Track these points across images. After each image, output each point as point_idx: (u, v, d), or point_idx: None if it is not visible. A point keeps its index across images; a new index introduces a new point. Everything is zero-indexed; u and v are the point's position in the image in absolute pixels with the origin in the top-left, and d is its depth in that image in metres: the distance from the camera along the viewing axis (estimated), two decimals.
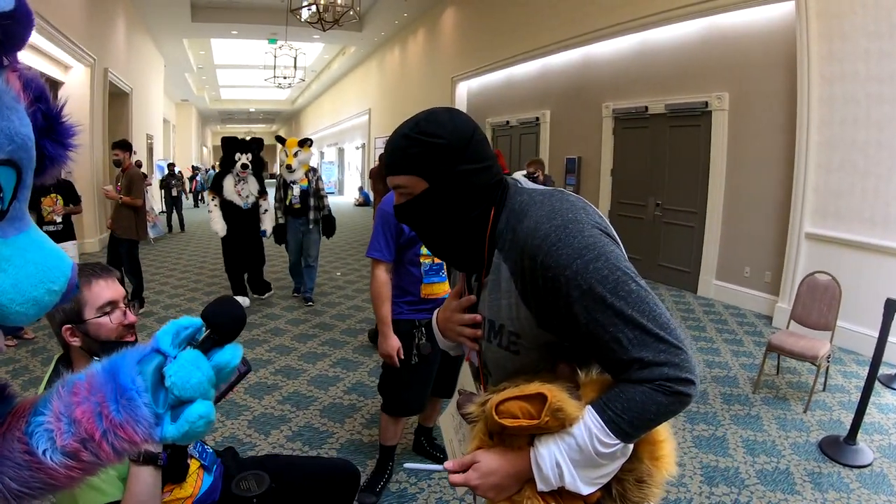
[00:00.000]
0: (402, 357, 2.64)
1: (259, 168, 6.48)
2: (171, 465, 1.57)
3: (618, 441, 0.99)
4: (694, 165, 6.68)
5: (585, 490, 1.03)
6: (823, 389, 3.96)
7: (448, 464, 1.14)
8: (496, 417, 1.05)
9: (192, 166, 24.65)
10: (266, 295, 6.77)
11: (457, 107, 2.75)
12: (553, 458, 1.03)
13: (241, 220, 6.34)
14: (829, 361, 3.88)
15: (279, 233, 6.51)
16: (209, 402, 0.81)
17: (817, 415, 3.59)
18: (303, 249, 6.52)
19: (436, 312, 1.44)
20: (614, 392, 1.01)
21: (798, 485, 2.82)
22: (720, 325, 5.52)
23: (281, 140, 6.63)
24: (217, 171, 6.62)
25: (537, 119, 9.78)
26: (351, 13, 11.71)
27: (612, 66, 8.01)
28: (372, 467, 2.95)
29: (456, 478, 1.12)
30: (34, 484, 0.79)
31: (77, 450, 0.78)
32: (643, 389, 0.98)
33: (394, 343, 2.62)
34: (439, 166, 1.10)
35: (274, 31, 16.02)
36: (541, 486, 1.05)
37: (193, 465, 1.70)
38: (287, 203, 6.38)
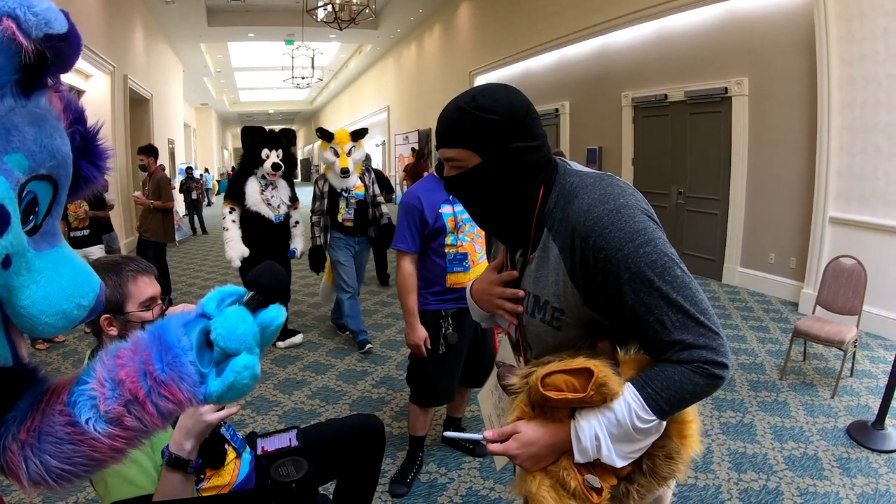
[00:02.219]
0: (430, 347, 2.67)
1: (291, 168, 4.95)
2: (210, 449, 1.62)
3: (654, 417, 1.05)
4: (715, 152, 6.63)
5: (620, 463, 1.08)
6: (850, 375, 3.94)
7: (488, 433, 1.19)
8: (541, 389, 1.09)
9: (232, 168, 24.09)
10: (288, 342, 4.97)
11: None
12: (593, 431, 1.08)
13: (271, 237, 4.76)
14: (855, 346, 3.85)
15: (316, 257, 4.80)
16: (254, 356, 0.82)
17: (845, 400, 3.57)
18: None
19: (470, 283, 1.48)
20: (654, 371, 1.07)
21: (826, 470, 2.82)
22: (746, 312, 5.49)
23: (325, 134, 4.80)
24: (234, 172, 5.09)
25: (556, 110, 9.74)
26: (367, 11, 11.75)
27: (630, 54, 7.96)
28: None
29: (495, 447, 1.16)
30: (76, 459, 0.80)
31: (121, 414, 0.79)
32: (682, 370, 1.04)
33: (421, 333, 2.66)
34: (493, 142, 1.12)
35: (290, 32, 16.07)
36: (578, 458, 1.10)
37: (231, 454, 1.74)
38: (339, 219, 4.69)
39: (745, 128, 6.25)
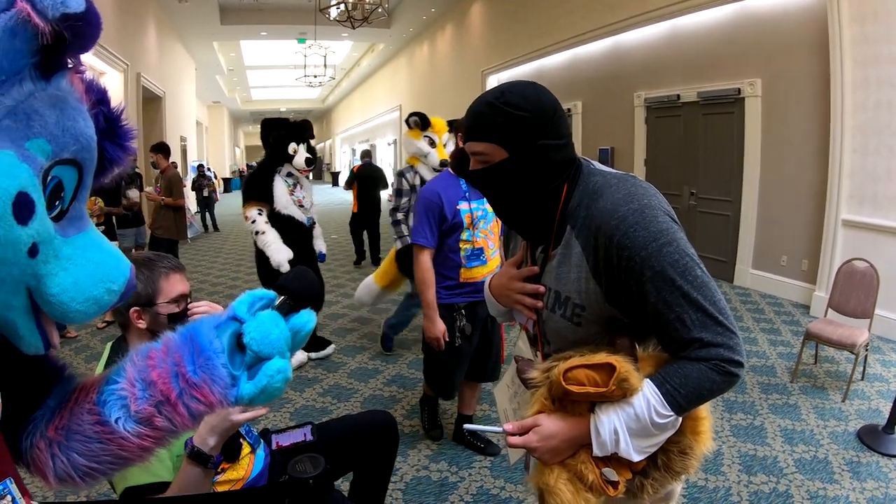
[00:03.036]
0: (448, 340, 2.75)
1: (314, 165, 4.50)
2: (226, 442, 1.62)
3: (672, 413, 1.08)
4: (728, 153, 6.61)
5: (636, 457, 1.11)
6: (862, 378, 3.92)
7: (507, 426, 1.20)
8: (563, 384, 1.11)
9: (248, 165, 23.72)
10: (324, 353, 4.70)
11: None
12: (612, 426, 1.10)
13: (303, 242, 4.37)
14: (867, 350, 3.84)
15: (408, 260, 3.85)
16: (286, 360, 0.82)
17: (855, 404, 3.56)
18: None
19: (489, 278, 1.49)
20: (672, 368, 1.09)
21: (836, 474, 2.82)
22: (757, 314, 5.48)
23: (422, 121, 4.13)
24: (255, 170, 4.48)
25: (569, 110, 9.69)
26: (379, 10, 11.78)
27: (642, 54, 7.94)
28: (413, 457, 3.06)
29: (515, 440, 1.18)
30: (104, 457, 0.81)
31: (151, 415, 0.79)
32: (700, 367, 1.07)
33: (440, 327, 2.74)
34: (521, 138, 1.14)
35: (303, 30, 16.13)
36: (597, 451, 1.12)
37: (245, 448, 1.76)
38: None
39: (758, 129, 6.23)
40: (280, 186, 4.21)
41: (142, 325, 1.58)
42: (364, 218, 8.81)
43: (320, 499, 1.18)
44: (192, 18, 14.41)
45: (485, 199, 2.74)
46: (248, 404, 0.82)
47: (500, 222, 2.82)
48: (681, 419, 1.12)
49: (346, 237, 9.92)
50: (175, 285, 1.61)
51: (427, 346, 2.89)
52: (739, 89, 6.33)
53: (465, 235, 2.74)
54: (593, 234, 1.12)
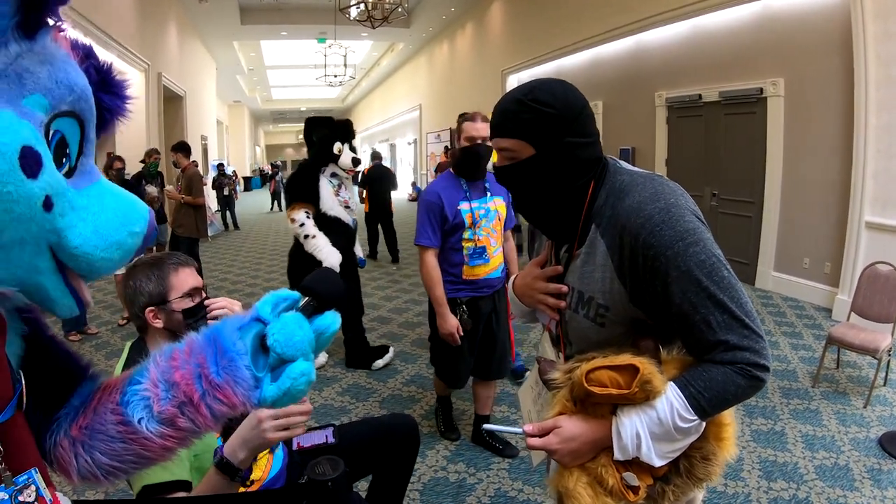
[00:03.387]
0: (462, 334, 2.85)
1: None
2: None
3: (696, 417, 1.06)
4: (750, 154, 6.53)
5: (658, 462, 1.08)
6: (884, 384, 3.85)
7: (528, 427, 1.18)
8: (585, 385, 1.09)
9: (272, 164, 23.67)
10: (387, 359, 4.48)
11: None
12: (634, 429, 1.08)
13: (349, 244, 4.27)
14: (890, 355, 3.77)
15: None
16: (310, 363, 0.82)
17: (878, 410, 3.50)
18: None
19: (513, 278, 1.49)
20: (697, 371, 1.08)
21: (857, 481, 2.77)
22: (779, 317, 5.41)
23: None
24: (298, 171, 4.32)
25: None
26: (399, 10, 11.82)
27: (664, 53, 7.88)
28: (431, 457, 3.10)
29: (534, 441, 1.16)
30: (127, 457, 0.82)
31: (174, 416, 0.80)
32: (725, 370, 1.05)
33: (452, 322, 2.82)
34: (548, 135, 1.15)
35: (323, 30, 16.20)
36: (618, 455, 1.10)
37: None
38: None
39: (781, 129, 6.15)
40: (326, 187, 4.12)
41: (158, 324, 1.59)
42: (376, 217, 9.12)
43: (338, 501, 1.20)
44: (212, 18, 14.54)
45: (486, 199, 2.86)
46: (272, 406, 0.83)
47: (501, 220, 2.94)
48: (704, 424, 1.09)
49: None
50: (186, 280, 1.62)
51: (433, 339, 3.01)
52: (761, 89, 6.25)
53: (466, 234, 2.82)
54: (619, 232, 1.12)
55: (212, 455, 1.52)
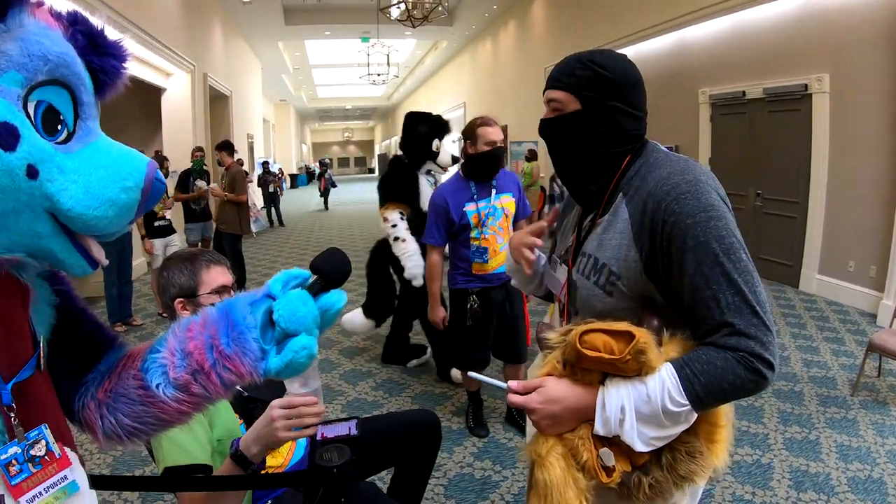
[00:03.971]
0: (459, 321, 3.12)
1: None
2: None
3: (687, 402, 1.01)
4: (795, 152, 6.34)
5: (639, 446, 1.03)
6: None
7: (512, 383, 1.15)
8: (578, 346, 1.04)
9: (320, 161, 23.03)
10: (425, 358, 4.47)
11: None
12: (620, 402, 1.03)
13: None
14: None
15: None
16: (313, 337, 0.86)
17: None
18: None
19: (512, 236, 1.52)
20: (696, 353, 1.04)
21: (891, 496, 2.67)
22: (821, 322, 5.25)
23: None
24: (392, 169, 4.20)
25: None
26: (439, 9, 11.86)
27: (707, 49, 7.71)
28: (458, 453, 3.15)
29: (515, 398, 1.12)
30: (146, 419, 0.88)
31: (188, 382, 0.86)
32: (726, 356, 1.01)
33: (440, 313, 3.21)
34: (596, 94, 1.18)
35: (366, 29, 16.30)
36: (598, 427, 1.05)
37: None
38: None
39: (826, 127, 5.95)
40: (425, 185, 4.01)
41: (186, 314, 1.65)
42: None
43: (344, 488, 1.24)
44: (256, 20, 14.79)
45: (492, 197, 3.00)
46: (276, 377, 0.87)
47: (509, 217, 3.10)
48: (695, 415, 1.04)
49: None
50: (216, 277, 1.70)
51: (451, 328, 3.22)
52: (806, 85, 6.05)
53: (473, 234, 3.03)
54: (643, 199, 1.12)
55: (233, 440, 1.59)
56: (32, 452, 0.73)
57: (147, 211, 0.79)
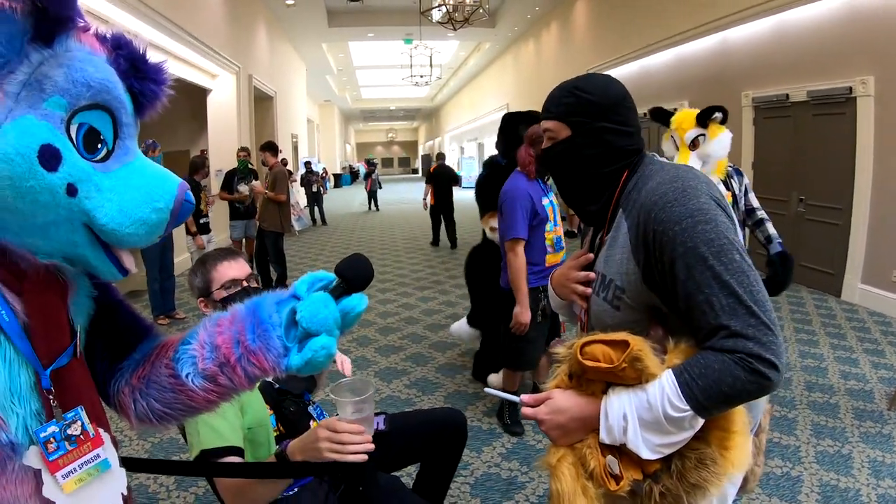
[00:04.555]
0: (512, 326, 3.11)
1: None
2: (295, 422, 1.79)
3: (688, 408, 1.01)
4: (839, 157, 6.16)
5: (645, 454, 1.04)
6: None
7: (524, 396, 1.21)
8: (579, 356, 1.08)
9: (367, 160, 21.73)
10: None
11: None
12: (622, 409, 1.05)
13: None
14: None
15: None
16: (332, 338, 0.90)
17: None
18: None
19: (553, 272, 1.52)
20: (695, 358, 1.04)
21: None
22: (862, 333, 5.10)
23: (659, 116, 3.60)
24: (489, 172, 4.09)
25: (675, 110, 9.37)
26: (481, 11, 11.92)
27: (750, 51, 7.57)
28: (487, 453, 3.19)
29: (527, 410, 1.19)
30: (176, 405, 0.95)
31: (215, 373, 0.92)
32: (723, 359, 1.00)
33: (528, 315, 3.04)
34: (583, 118, 1.23)
35: (409, 31, 16.46)
36: (603, 436, 1.08)
37: (314, 426, 1.85)
38: None
39: (871, 131, 5.77)
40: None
41: (209, 312, 1.79)
42: (439, 210, 10.48)
43: (364, 478, 1.31)
44: (300, 22, 15.05)
45: (550, 193, 3.08)
46: (297, 373, 0.91)
47: (559, 212, 3.20)
48: (701, 421, 1.03)
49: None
50: (225, 272, 1.81)
51: (510, 335, 3.17)
52: (850, 88, 5.88)
53: (548, 227, 3.07)
54: (637, 211, 1.15)
55: (263, 430, 1.72)
56: (69, 432, 0.80)
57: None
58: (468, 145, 29.64)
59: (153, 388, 0.95)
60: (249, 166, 7.34)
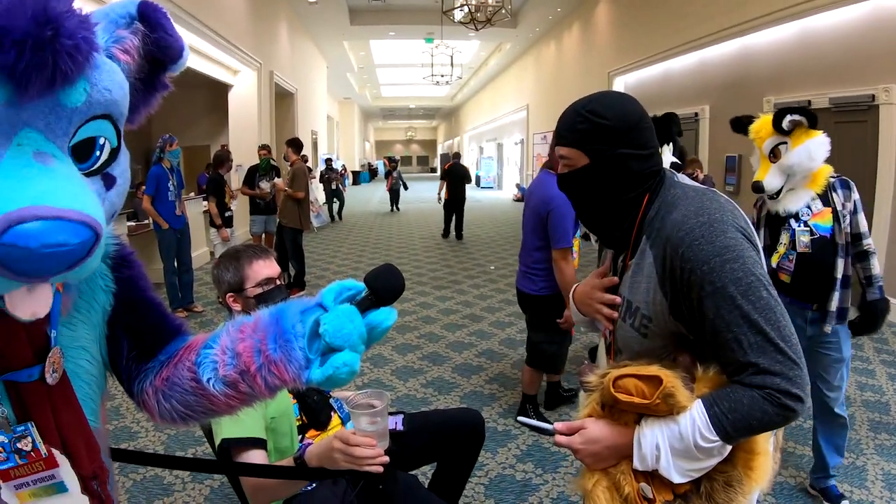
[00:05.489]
0: (553, 330, 3.29)
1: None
2: (317, 412, 1.82)
3: (717, 438, 1.04)
4: (860, 165, 6.07)
5: (676, 478, 1.09)
6: None
7: (558, 425, 1.23)
8: (612, 390, 1.11)
9: (389, 158, 20.79)
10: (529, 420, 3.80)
11: None
12: (655, 440, 1.09)
13: None
14: None
15: None
16: (356, 354, 0.87)
17: None
18: None
19: (574, 286, 1.53)
20: (725, 391, 1.07)
21: None
22: (880, 344, 5.05)
23: (739, 125, 2.83)
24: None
25: (696, 115, 9.31)
26: (503, 11, 11.93)
27: (772, 57, 7.51)
28: (502, 454, 3.21)
29: (561, 439, 1.20)
30: (197, 408, 0.94)
31: (236, 380, 0.90)
32: (752, 394, 1.03)
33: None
34: (601, 145, 1.18)
35: (430, 30, 16.50)
36: (636, 464, 1.12)
37: (335, 420, 1.91)
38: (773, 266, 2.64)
39: (893, 139, 5.72)
40: None
41: (237, 307, 1.81)
42: (452, 205, 11.45)
43: (384, 477, 1.35)
44: (322, 19, 15.12)
45: None
46: (317, 387, 0.92)
47: None
48: (729, 448, 1.07)
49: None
50: (260, 270, 1.83)
51: (557, 333, 3.31)
52: (873, 95, 5.82)
53: (576, 234, 3.18)
54: (663, 244, 1.14)
55: (286, 419, 1.75)
56: (19, 445, 0.77)
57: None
58: (487, 145, 29.62)
59: (176, 390, 0.94)
60: (272, 163, 7.44)
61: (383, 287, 0.94)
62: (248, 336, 0.91)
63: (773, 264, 2.63)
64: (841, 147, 6.28)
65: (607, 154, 1.19)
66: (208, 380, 0.91)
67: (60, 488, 0.81)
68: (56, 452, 0.80)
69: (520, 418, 1.40)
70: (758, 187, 2.58)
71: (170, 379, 0.95)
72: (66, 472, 0.81)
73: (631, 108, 1.21)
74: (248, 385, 0.90)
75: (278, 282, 1.86)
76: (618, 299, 1.30)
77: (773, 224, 2.67)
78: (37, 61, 0.57)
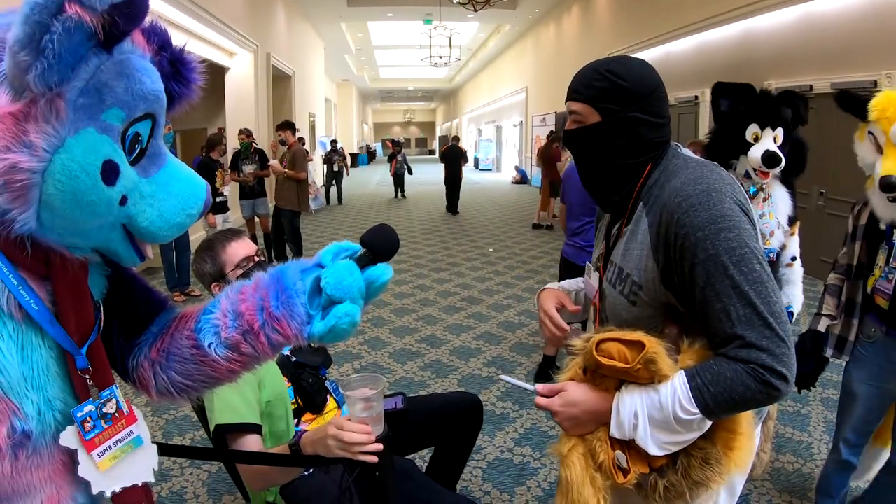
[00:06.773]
0: None
1: (799, 163, 2.78)
2: (312, 395, 1.81)
3: (698, 411, 1.02)
4: None
5: (653, 450, 1.07)
6: None
7: (539, 386, 1.21)
8: (595, 353, 1.10)
9: (393, 141, 18.83)
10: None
11: None
12: (633, 408, 1.08)
13: None
14: None
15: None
16: (356, 306, 0.90)
17: None
18: None
19: (546, 287, 1.53)
20: (708, 363, 1.05)
21: None
22: None
23: (851, 104, 2.22)
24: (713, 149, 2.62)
25: (696, 98, 9.26)
26: None
27: (774, 40, 7.46)
28: (500, 438, 3.20)
29: (541, 401, 1.19)
30: (198, 377, 0.94)
31: (238, 342, 0.91)
32: (736, 368, 1.01)
33: None
34: (615, 105, 1.18)
35: (428, 11, 16.32)
36: (613, 431, 1.11)
37: (331, 404, 1.89)
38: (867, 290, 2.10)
39: None
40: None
41: None
42: (449, 182, 12.68)
43: (380, 461, 1.34)
44: (319, 1, 15.00)
45: None
46: (320, 341, 0.91)
47: None
48: (709, 423, 1.06)
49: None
50: (236, 252, 1.82)
51: None
52: (876, 81, 5.79)
53: None
54: (660, 210, 1.13)
55: (282, 403, 1.74)
56: (105, 410, 0.82)
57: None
58: (486, 127, 29.51)
59: (174, 360, 0.94)
60: (255, 146, 7.42)
61: (380, 244, 0.97)
62: (249, 296, 0.92)
63: (869, 288, 2.07)
64: (842, 132, 6.28)
65: (619, 115, 1.18)
66: (209, 345, 0.91)
67: (136, 442, 0.87)
68: (134, 408, 0.88)
69: (502, 376, 1.39)
70: (890, 184, 1.83)
71: (167, 350, 0.95)
72: (140, 425, 0.89)
73: (649, 75, 1.21)
74: (250, 346, 0.91)
75: (257, 258, 1.84)
76: (567, 328, 1.33)
77: (872, 238, 2.12)
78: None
